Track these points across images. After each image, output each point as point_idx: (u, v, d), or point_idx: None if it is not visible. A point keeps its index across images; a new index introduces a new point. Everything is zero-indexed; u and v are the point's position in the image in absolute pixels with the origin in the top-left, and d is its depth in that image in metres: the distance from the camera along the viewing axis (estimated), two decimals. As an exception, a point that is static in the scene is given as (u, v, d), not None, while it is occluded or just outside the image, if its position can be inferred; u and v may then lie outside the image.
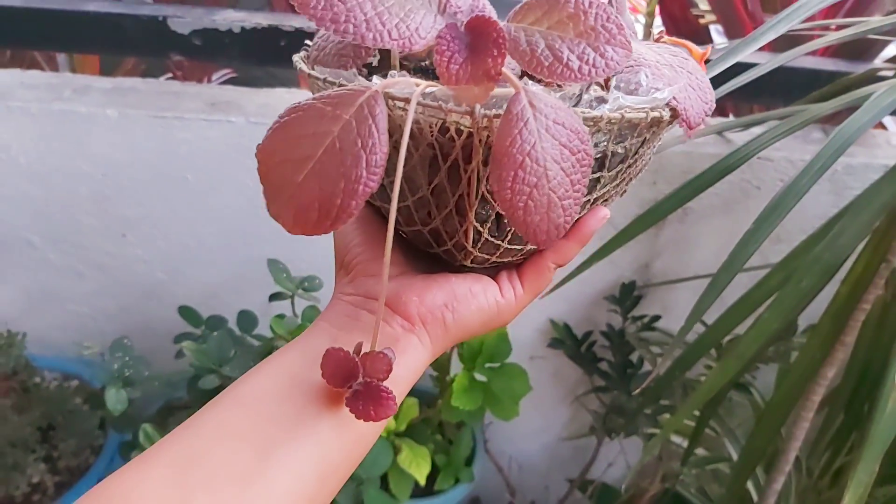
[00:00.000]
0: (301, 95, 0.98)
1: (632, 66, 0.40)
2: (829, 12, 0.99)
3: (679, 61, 0.42)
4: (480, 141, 0.35)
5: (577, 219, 0.42)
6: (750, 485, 1.05)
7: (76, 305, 1.12)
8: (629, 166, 0.42)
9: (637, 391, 0.82)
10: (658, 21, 1.39)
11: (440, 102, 0.35)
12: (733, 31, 1.13)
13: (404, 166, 0.38)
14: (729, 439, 1.07)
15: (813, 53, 1.00)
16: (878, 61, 1.02)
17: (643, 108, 0.37)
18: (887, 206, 0.67)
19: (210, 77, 1.36)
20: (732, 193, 0.98)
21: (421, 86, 0.34)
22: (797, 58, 0.71)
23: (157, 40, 0.93)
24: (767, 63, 0.66)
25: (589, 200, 0.42)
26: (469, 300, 0.40)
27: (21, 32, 0.96)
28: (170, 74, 1.34)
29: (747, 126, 0.89)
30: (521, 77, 0.36)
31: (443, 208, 0.40)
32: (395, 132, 0.36)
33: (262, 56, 0.94)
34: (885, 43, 1.02)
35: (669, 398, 1.06)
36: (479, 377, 0.96)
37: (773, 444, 0.95)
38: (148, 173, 0.97)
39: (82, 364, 1.14)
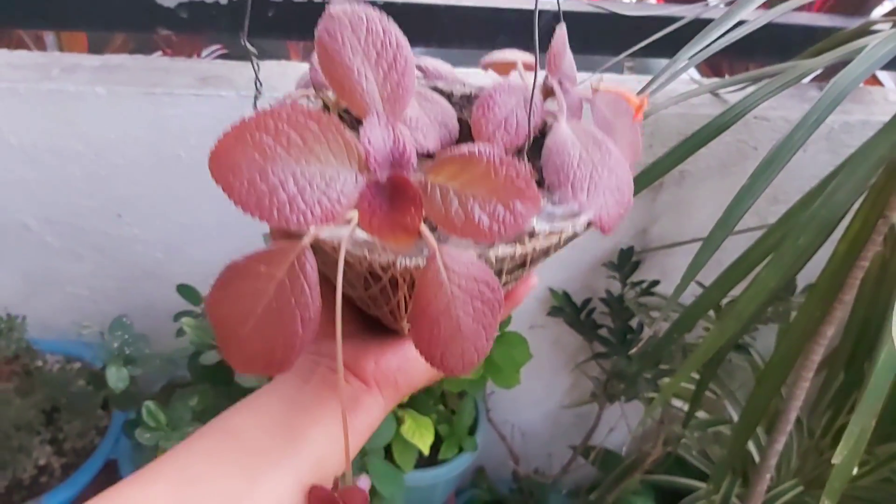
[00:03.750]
0: (292, 68, 0.97)
1: (553, 180, 0.43)
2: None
3: (601, 156, 0.44)
4: (404, 279, 0.40)
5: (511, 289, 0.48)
6: (751, 446, 1.06)
7: (75, 287, 1.12)
8: (553, 252, 0.44)
9: (634, 351, 0.82)
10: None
11: (365, 251, 0.38)
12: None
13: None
14: (730, 401, 1.07)
15: (809, 9, 0.99)
16: (874, 16, 1.01)
17: (555, 233, 0.40)
18: (884, 161, 0.66)
19: (199, 53, 1.34)
20: (729, 155, 0.98)
21: (349, 229, 0.36)
22: (790, 14, 0.70)
23: (143, 15, 0.92)
24: (758, 19, 0.66)
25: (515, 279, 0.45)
26: (419, 362, 0.43)
27: (3, 11, 0.95)
28: (159, 52, 1.33)
29: (742, 85, 0.88)
30: None
31: (379, 309, 0.44)
32: (330, 260, 0.39)
33: (250, 28, 0.93)
34: (882, -2, 1.01)
35: (670, 362, 1.06)
36: (480, 346, 0.96)
37: (773, 405, 0.95)
38: (140, 151, 0.96)
39: (84, 346, 1.15)
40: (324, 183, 0.33)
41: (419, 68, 0.51)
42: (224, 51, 1.37)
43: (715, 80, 1.06)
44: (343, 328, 0.46)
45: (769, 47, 0.93)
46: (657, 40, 0.71)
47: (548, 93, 0.48)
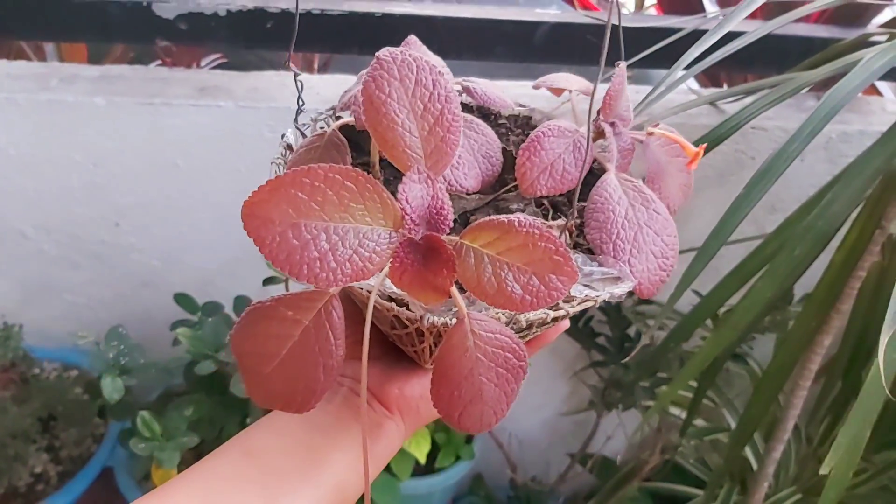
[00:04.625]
0: (291, 79, 0.97)
1: (595, 237, 0.41)
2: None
3: (648, 216, 0.42)
4: (430, 332, 0.40)
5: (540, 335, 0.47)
6: (749, 453, 1.05)
7: (72, 295, 1.12)
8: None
9: (628, 358, 0.82)
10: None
11: (393, 304, 0.38)
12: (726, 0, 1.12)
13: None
14: (727, 409, 1.07)
15: (806, 20, 0.99)
16: (871, 27, 1.01)
17: (592, 298, 0.39)
18: (881, 172, 0.66)
19: (199, 63, 1.34)
20: (727, 165, 0.98)
21: (380, 278, 0.36)
22: (788, 25, 0.70)
23: (142, 26, 0.92)
24: (757, 30, 0.66)
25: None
26: None
27: (3, 22, 0.95)
28: (159, 61, 1.33)
29: (740, 95, 0.88)
30: None
31: (404, 347, 0.45)
32: (358, 293, 0.39)
33: (249, 39, 0.93)
34: (880, 8, 1.01)
35: (667, 371, 1.06)
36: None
37: (771, 413, 0.95)
38: (139, 161, 0.96)
39: (81, 354, 1.14)
40: (356, 241, 0.33)
41: (467, 91, 0.48)
42: (224, 60, 1.38)
43: (713, 90, 1.07)
44: (369, 350, 0.46)
45: (767, 58, 0.93)
46: (656, 51, 0.71)
47: (599, 134, 0.46)
